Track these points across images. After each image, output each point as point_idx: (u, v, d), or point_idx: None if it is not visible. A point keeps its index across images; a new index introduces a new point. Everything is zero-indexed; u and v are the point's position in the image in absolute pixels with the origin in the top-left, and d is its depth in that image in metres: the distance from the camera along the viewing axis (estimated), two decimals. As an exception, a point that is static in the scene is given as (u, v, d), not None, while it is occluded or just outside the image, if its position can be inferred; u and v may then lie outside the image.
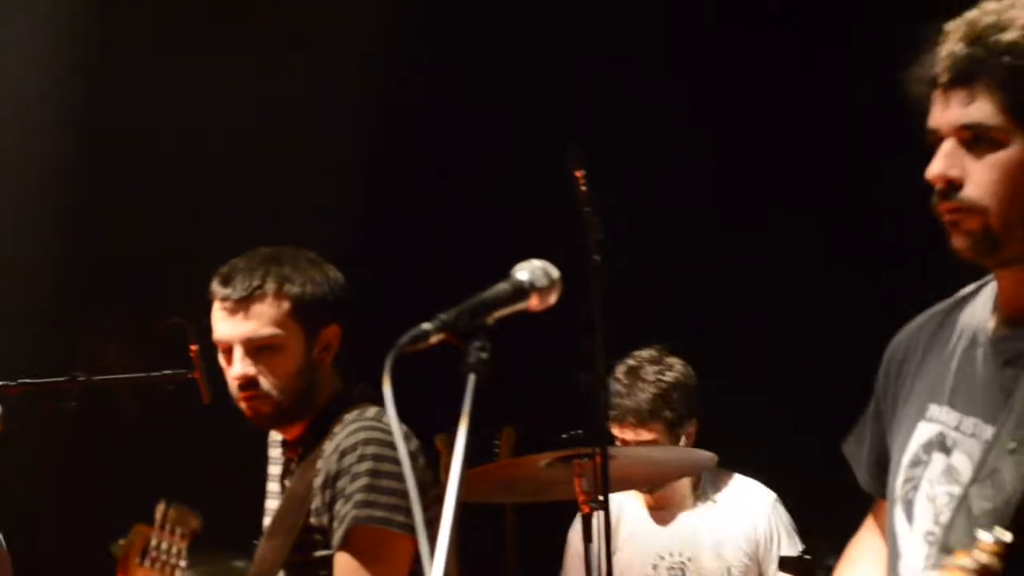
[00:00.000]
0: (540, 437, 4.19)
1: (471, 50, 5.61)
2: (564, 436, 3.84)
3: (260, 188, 5.72)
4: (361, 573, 2.79)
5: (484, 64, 5.56)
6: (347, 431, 2.87)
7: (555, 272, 2.17)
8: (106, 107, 5.87)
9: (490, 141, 5.61)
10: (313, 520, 2.86)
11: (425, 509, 2.87)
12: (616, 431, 4.32)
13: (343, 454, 2.84)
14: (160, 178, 5.89)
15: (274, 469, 3.20)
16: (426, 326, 2.09)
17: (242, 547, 3.39)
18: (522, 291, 2.15)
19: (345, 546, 2.82)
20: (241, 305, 2.99)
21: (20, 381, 4.17)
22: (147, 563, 2.88)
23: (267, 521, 3.07)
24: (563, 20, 5.54)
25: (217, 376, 3.35)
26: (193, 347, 4.07)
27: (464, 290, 2.17)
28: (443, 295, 2.26)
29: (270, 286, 2.99)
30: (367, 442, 2.85)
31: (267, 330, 2.99)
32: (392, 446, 2.85)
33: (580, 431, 3.82)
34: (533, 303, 2.16)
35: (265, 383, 2.99)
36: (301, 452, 2.97)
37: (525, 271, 2.16)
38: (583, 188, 3.73)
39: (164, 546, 2.88)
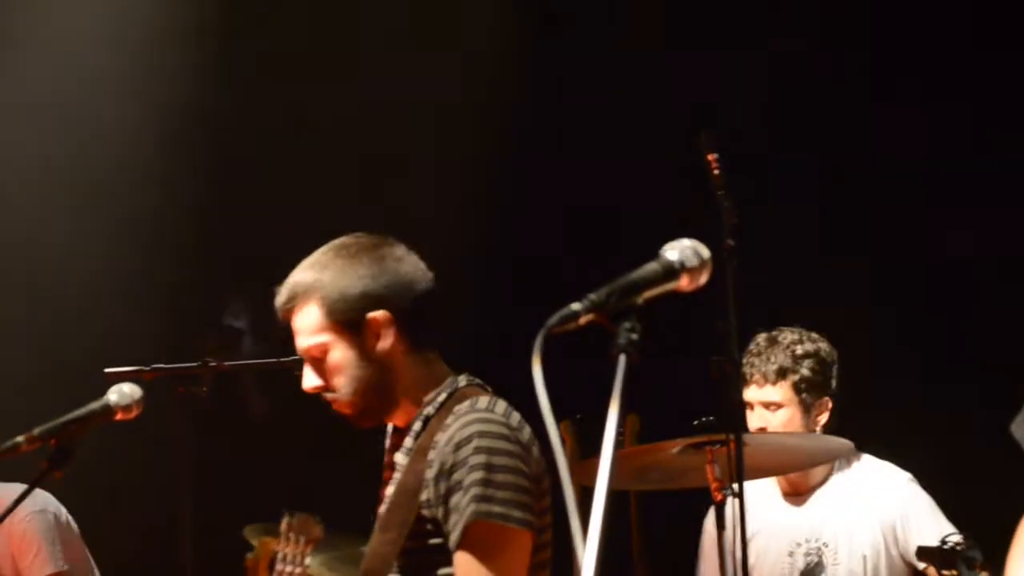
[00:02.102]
0: (668, 423, 4.15)
1: (595, 33, 5.60)
2: (696, 422, 3.79)
3: (379, 178, 5.74)
4: (482, 570, 2.74)
5: (615, 46, 5.55)
6: (461, 422, 2.82)
7: (706, 252, 2.13)
8: (229, 100, 5.95)
9: (624, 125, 5.58)
10: (426, 512, 2.81)
11: (538, 499, 2.88)
12: (745, 393, 4.25)
13: (458, 446, 2.79)
14: (281, 170, 5.95)
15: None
16: (575, 307, 2.06)
17: (368, 532, 3.40)
18: (672, 271, 2.11)
19: (464, 542, 2.76)
20: (288, 320, 3.00)
21: (154, 366, 4.23)
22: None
23: (381, 511, 3.04)
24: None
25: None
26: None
27: (599, 275, 2.14)
28: (579, 282, 2.24)
29: (298, 297, 2.97)
30: (482, 434, 2.79)
31: (311, 340, 2.97)
32: (508, 438, 2.79)
33: (712, 417, 3.77)
34: (683, 283, 2.12)
35: (334, 388, 2.98)
36: (410, 441, 2.94)
37: (675, 251, 2.12)
38: (716, 172, 3.70)
39: (289, 556, 2.88)
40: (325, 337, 2.95)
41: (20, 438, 3.06)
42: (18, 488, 5.12)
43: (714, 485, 3.72)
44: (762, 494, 4.37)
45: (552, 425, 2.06)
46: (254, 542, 4.32)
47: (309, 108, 5.88)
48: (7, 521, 5.16)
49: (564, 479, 2.08)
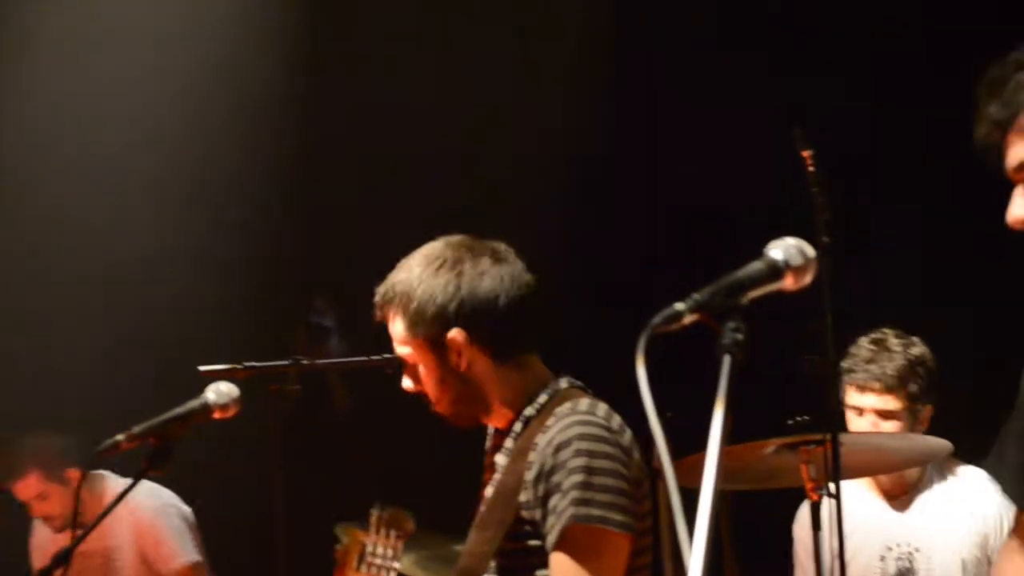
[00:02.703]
0: (754, 422, 4.10)
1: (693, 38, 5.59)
2: (791, 422, 3.75)
3: (475, 180, 5.75)
4: (579, 572, 2.73)
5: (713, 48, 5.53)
6: (561, 425, 2.81)
7: (811, 250, 2.11)
8: (321, 104, 5.98)
9: (717, 125, 5.56)
10: (524, 513, 2.80)
11: (638, 503, 2.85)
12: (855, 397, 4.20)
13: (558, 448, 2.77)
14: (371, 172, 5.98)
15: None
16: (679, 306, 2.04)
17: (461, 531, 3.40)
18: (777, 270, 2.09)
19: (562, 544, 2.75)
20: (383, 322, 3.00)
21: (246, 364, 4.24)
22: (363, 568, 2.88)
23: (480, 511, 3.03)
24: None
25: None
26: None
27: (693, 276, 2.12)
28: (675, 280, 2.22)
29: (387, 306, 2.99)
30: (582, 437, 2.77)
31: (400, 348, 3.00)
32: (608, 441, 2.78)
33: (807, 417, 3.72)
34: (788, 282, 2.10)
35: (426, 394, 2.99)
36: (510, 442, 2.93)
37: (779, 249, 2.10)
38: (811, 169, 3.66)
39: (380, 550, 2.88)
40: (409, 348, 2.98)
41: (120, 436, 3.09)
42: (151, 486, 5.21)
43: (809, 485, 3.68)
44: (857, 495, 4.32)
45: (657, 426, 2.04)
46: (344, 537, 4.35)
47: (398, 105, 5.90)
48: (132, 515, 5.27)
49: (669, 481, 2.05)
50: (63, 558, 3.09)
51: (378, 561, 2.90)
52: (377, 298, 3.01)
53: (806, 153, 3.66)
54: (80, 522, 4.68)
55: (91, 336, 6.29)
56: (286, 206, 6.25)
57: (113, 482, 5.33)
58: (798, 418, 3.73)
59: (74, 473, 5.29)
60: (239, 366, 4.23)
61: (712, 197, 5.53)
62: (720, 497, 2.04)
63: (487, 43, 5.86)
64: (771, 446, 3.75)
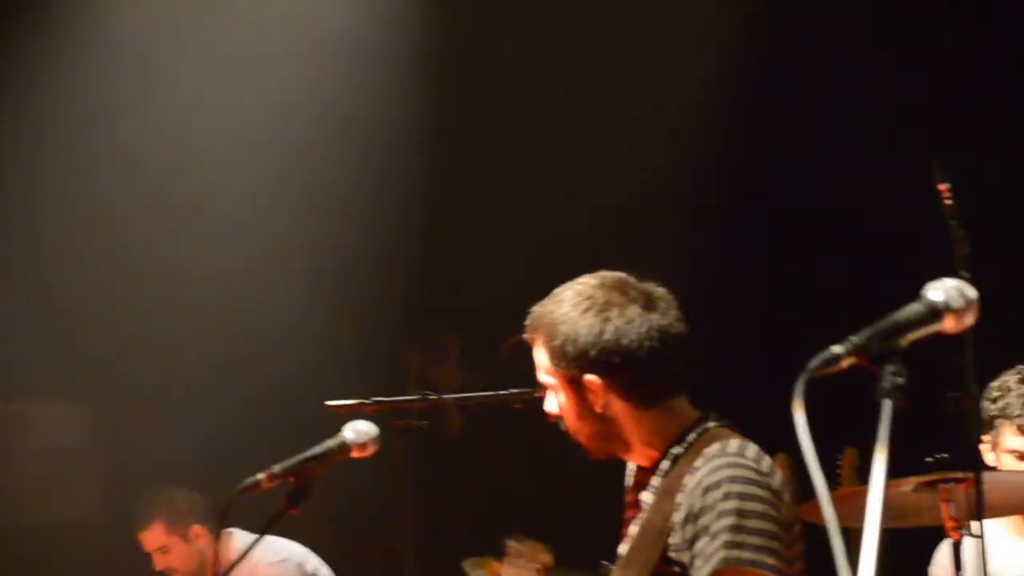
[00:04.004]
0: (896, 458, 4.03)
1: (827, 63, 5.53)
2: (930, 459, 3.68)
3: (602, 206, 5.72)
4: None
5: (842, 76, 5.48)
6: (710, 467, 2.77)
7: (972, 292, 2.07)
8: (441, 131, 5.99)
9: (853, 158, 5.51)
10: (672, 555, 2.77)
11: (788, 546, 2.81)
12: (1012, 441, 4.10)
13: (707, 490, 2.74)
14: (492, 204, 5.97)
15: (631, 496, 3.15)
16: (836, 349, 2.02)
17: (592, 568, 3.37)
18: (936, 312, 2.06)
19: None
20: (533, 347, 2.99)
21: (375, 399, 4.25)
22: None
23: (621, 549, 3.01)
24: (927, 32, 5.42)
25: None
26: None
27: (834, 309, 2.09)
28: (815, 314, 2.19)
29: (533, 334, 2.98)
30: (732, 479, 2.74)
31: (543, 377, 2.99)
32: (759, 483, 2.74)
33: (946, 454, 3.65)
34: (948, 324, 2.06)
35: (564, 422, 2.97)
36: (656, 481, 2.90)
37: (939, 291, 2.07)
38: (948, 202, 3.61)
39: None
40: (552, 380, 2.96)
41: (261, 475, 3.10)
42: (273, 542, 5.22)
43: (950, 524, 3.60)
44: (996, 535, 4.22)
45: (817, 470, 2.01)
46: (477, 569, 4.34)
47: (523, 130, 5.90)
48: (250, 571, 5.30)
49: (830, 526, 2.02)
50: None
51: None
52: (528, 321, 2.99)
53: (943, 186, 3.61)
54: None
55: (215, 381, 6.35)
56: (406, 236, 6.27)
57: (239, 539, 5.33)
58: (938, 455, 3.66)
59: (199, 530, 5.33)
60: (367, 401, 4.25)
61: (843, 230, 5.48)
62: (845, 535, 2.02)
63: (613, 55, 5.85)
64: (909, 484, 3.68)
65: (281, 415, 6.02)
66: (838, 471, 5.00)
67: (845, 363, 2.03)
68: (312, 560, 5.37)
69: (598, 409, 2.90)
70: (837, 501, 3.89)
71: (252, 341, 6.33)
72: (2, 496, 6.85)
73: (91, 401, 6.89)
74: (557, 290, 2.99)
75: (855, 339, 2.03)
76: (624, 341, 2.87)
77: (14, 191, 6.35)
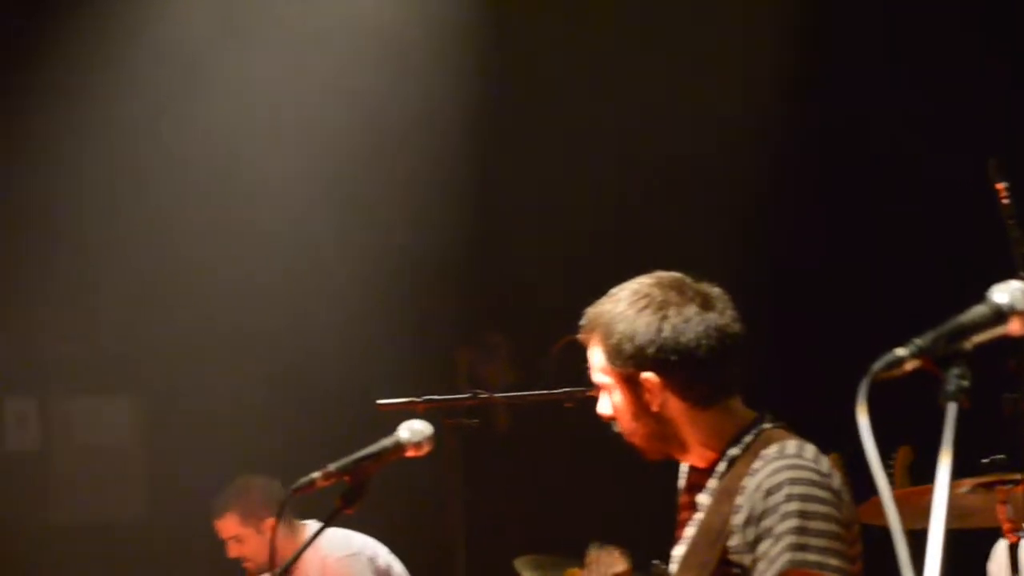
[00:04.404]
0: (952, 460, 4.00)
1: (880, 59, 5.51)
2: (986, 461, 3.66)
3: (654, 206, 5.71)
4: None
5: (896, 74, 5.46)
6: (770, 469, 2.76)
7: (1038, 294, 2.05)
8: (498, 136, 5.98)
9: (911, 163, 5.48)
10: (732, 557, 2.77)
11: (851, 546, 2.80)
12: None
13: (768, 493, 2.73)
14: (543, 204, 5.96)
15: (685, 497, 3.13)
16: (900, 352, 2.00)
17: (640, 566, 3.36)
18: (1001, 315, 2.03)
19: None
20: (588, 347, 2.98)
21: (426, 398, 4.25)
22: None
23: (676, 551, 3.00)
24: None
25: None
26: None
27: (895, 311, 2.08)
28: (871, 317, 2.18)
29: (589, 333, 2.96)
30: (794, 481, 2.73)
31: (598, 376, 2.97)
32: (820, 485, 2.73)
33: (1003, 456, 3.63)
34: (1013, 327, 2.04)
35: (618, 423, 2.96)
36: (713, 483, 2.88)
37: (1004, 293, 2.04)
38: (1005, 201, 3.58)
39: None
40: (607, 379, 2.95)
41: (316, 474, 3.10)
42: (346, 536, 5.23)
43: (1007, 526, 3.59)
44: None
45: (881, 474, 2.00)
46: (525, 573, 4.35)
47: (575, 130, 5.88)
48: (322, 563, 5.32)
49: (895, 531, 2.01)
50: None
51: None
52: (584, 320, 2.98)
53: (1000, 186, 3.59)
54: (275, 569, 4.73)
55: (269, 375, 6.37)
56: (456, 237, 6.27)
57: (312, 531, 5.34)
58: (994, 457, 3.64)
59: (273, 523, 5.34)
60: (418, 399, 4.25)
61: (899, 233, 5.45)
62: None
63: (666, 50, 5.82)
64: (965, 485, 3.67)
65: (332, 415, 6.04)
66: (890, 471, 4.97)
67: (909, 366, 2.01)
68: (383, 555, 5.39)
69: (654, 408, 2.89)
70: (899, 501, 3.89)
71: (303, 341, 6.35)
72: (48, 493, 6.89)
73: (137, 399, 6.93)
74: (614, 290, 2.98)
75: (919, 341, 2.01)
76: (682, 339, 2.86)
77: (64, 191, 6.38)
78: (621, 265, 3.36)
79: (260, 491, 5.38)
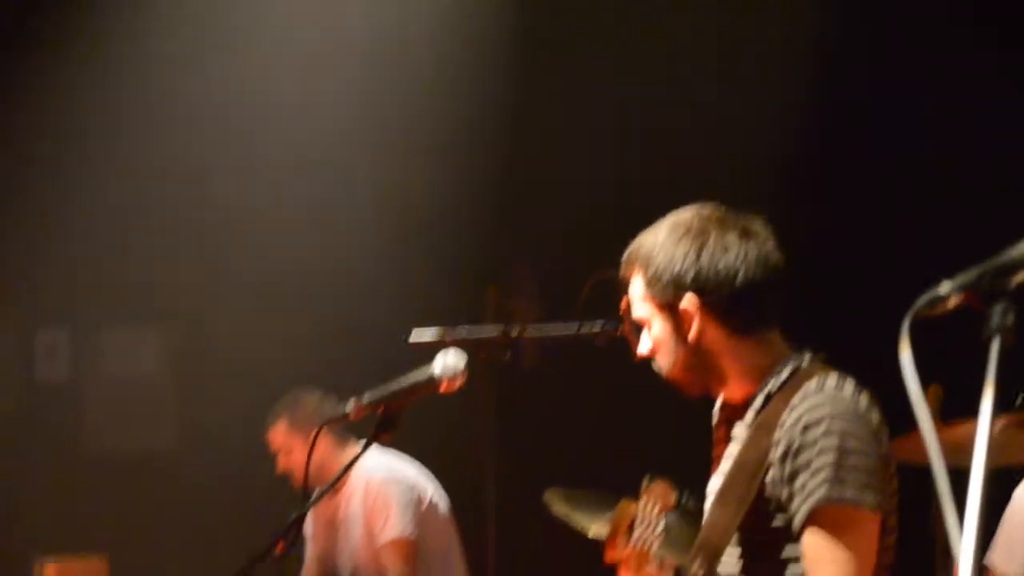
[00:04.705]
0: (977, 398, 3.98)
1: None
2: (1020, 399, 3.64)
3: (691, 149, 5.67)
4: (833, 551, 2.68)
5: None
6: (809, 403, 2.75)
7: (1084, 230, 2.02)
8: (527, 71, 5.96)
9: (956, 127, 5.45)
10: (769, 491, 2.77)
11: (888, 482, 2.79)
12: None
13: (807, 427, 2.72)
14: (577, 145, 5.94)
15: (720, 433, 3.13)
16: (944, 288, 1.98)
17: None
18: (1048, 250, 2.01)
19: (814, 523, 2.71)
20: (627, 282, 2.97)
21: (455, 334, 4.24)
22: (631, 542, 2.86)
23: (711, 484, 2.99)
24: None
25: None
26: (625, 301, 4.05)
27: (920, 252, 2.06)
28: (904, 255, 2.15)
29: (630, 265, 2.95)
30: (833, 416, 2.72)
31: (639, 309, 2.96)
32: (859, 420, 2.73)
33: (1036, 393, 3.61)
34: (1060, 264, 2.01)
35: (657, 359, 2.95)
36: (750, 416, 2.87)
37: (1051, 229, 2.02)
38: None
39: (646, 520, 2.86)
40: (647, 309, 2.94)
41: (349, 406, 3.11)
42: (391, 461, 5.22)
43: (1040, 463, 3.57)
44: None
45: (924, 412, 1.98)
46: (556, 506, 4.35)
47: (602, 69, 5.85)
48: (365, 484, 5.33)
49: (937, 470, 2.00)
50: (297, 520, 3.13)
51: (644, 533, 2.88)
52: (625, 255, 2.98)
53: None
54: (315, 483, 4.75)
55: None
56: (485, 171, 6.26)
57: (356, 449, 5.34)
58: (1025, 393, 3.62)
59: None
60: (447, 335, 4.24)
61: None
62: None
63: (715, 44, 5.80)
64: (1000, 423, 3.65)
65: (363, 345, 6.07)
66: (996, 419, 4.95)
67: (952, 303, 1.99)
68: (429, 488, 5.37)
69: (693, 337, 2.88)
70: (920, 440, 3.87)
71: (333, 273, 6.36)
72: (79, 425, 6.94)
73: (168, 329, 6.95)
74: (654, 225, 2.97)
75: (963, 277, 1.99)
76: (720, 265, 2.86)
77: (98, 123, 6.39)
78: (656, 200, 3.35)
79: (311, 404, 5.39)
